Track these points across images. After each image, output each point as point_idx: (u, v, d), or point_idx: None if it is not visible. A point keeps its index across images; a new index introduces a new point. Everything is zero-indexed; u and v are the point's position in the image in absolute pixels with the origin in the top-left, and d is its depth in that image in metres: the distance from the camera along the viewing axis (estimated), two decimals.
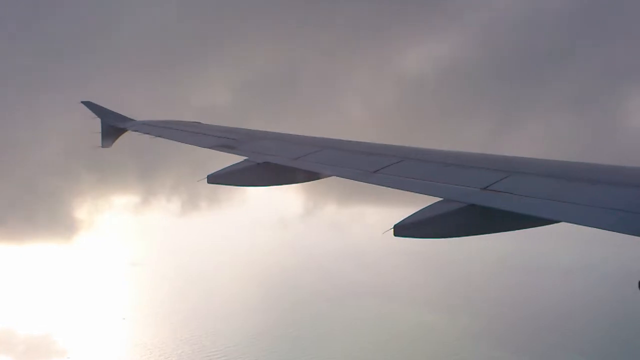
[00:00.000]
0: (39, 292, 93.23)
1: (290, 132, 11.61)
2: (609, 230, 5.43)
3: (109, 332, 77.48)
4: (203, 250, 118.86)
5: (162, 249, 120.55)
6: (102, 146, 15.71)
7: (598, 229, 5.54)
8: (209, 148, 11.47)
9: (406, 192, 7.44)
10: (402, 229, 6.32)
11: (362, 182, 8.03)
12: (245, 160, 9.97)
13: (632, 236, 5.23)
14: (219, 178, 9.66)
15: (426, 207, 6.57)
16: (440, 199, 6.71)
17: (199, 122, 14.48)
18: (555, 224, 6.13)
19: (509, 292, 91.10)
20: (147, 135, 14.14)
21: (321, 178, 9.22)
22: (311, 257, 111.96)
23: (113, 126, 15.72)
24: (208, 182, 9.61)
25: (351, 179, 8.29)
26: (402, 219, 6.43)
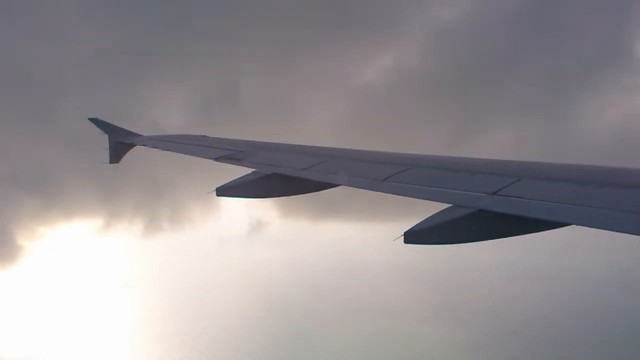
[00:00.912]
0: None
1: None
2: (620, 232, 5.42)
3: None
4: (202, 266, 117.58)
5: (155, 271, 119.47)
6: (110, 162, 15.83)
7: (609, 232, 5.54)
8: (216, 160, 11.52)
9: (414, 199, 7.46)
10: (412, 236, 6.33)
11: (371, 191, 8.05)
12: (253, 172, 10.01)
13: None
14: (228, 190, 9.70)
15: (436, 214, 6.58)
16: (450, 205, 6.71)
17: (205, 136, 14.55)
18: (566, 228, 6.12)
19: (510, 302, 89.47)
20: (154, 149, 14.24)
21: (330, 188, 9.25)
22: (310, 272, 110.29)
23: (120, 142, 15.83)
24: (217, 195, 9.64)
25: (360, 188, 8.31)
26: (411, 226, 6.45)
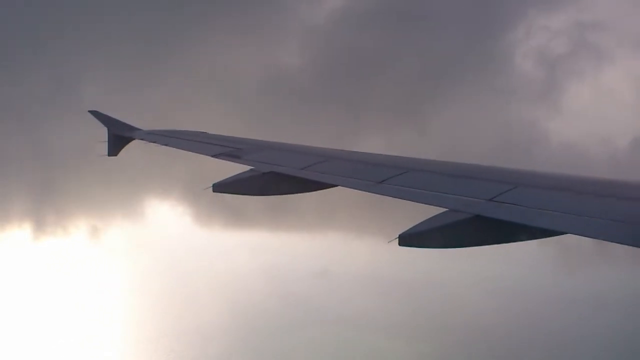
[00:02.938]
0: None
1: None
2: (614, 242, 5.43)
3: None
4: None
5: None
6: (109, 155, 15.84)
7: (603, 242, 5.55)
8: (214, 157, 11.53)
9: (409, 202, 7.46)
10: (407, 239, 6.33)
11: (367, 192, 8.05)
12: (250, 169, 10.02)
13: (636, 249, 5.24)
14: (225, 187, 9.70)
15: (431, 217, 6.58)
16: (446, 209, 6.71)
17: (205, 132, 14.56)
18: (561, 236, 6.13)
19: (485, 317, 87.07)
20: (153, 143, 14.24)
21: (326, 188, 9.25)
22: (284, 280, 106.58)
23: (119, 135, 15.83)
24: (213, 191, 9.65)
25: (357, 189, 8.31)
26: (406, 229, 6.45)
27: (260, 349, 72.39)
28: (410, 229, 6.41)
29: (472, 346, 70.23)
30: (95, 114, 16.30)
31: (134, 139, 15.51)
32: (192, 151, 12.71)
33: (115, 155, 15.85)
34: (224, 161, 11.25)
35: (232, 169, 10.43)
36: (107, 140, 15.85)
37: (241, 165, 10.48)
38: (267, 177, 9.68)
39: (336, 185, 8.89)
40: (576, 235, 5.78)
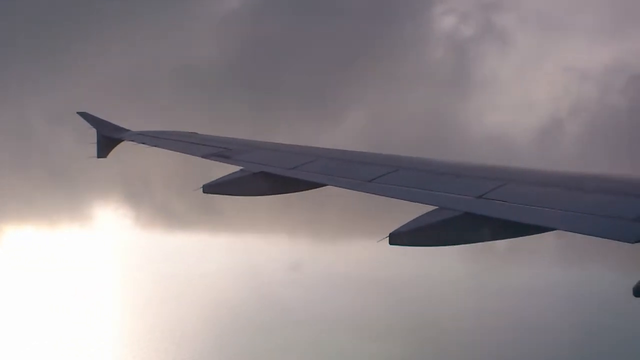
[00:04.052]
0: None
1: None
2: (603, 237, 5.46)
3: None
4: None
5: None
6: (98, 156, 15.78)
7: (591, 238, 5.58)
8: (204, 158, 11.51)
9: (399, 201, 7.47)
10: (397, 237, 6.33)
11: (358, 191, 8.06)
12: (240, 170, 10.01)
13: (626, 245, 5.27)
14: (215, 188, 9.69)
15: (421, 216, 6.59)
16: (436, 207, 6.73)
17: (196, 133, 14.52)
18: (550, 232, 6.15)
19: (477, 316, 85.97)
20: (142, 145, 14.20)
21: (317, 187, 9.26)
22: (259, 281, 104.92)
23: (109, 137, 15.77)
24: (204, 192, 9.63)
25: (347, 188, 8.33)
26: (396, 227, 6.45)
27: (256, 347, 72.18)
28: (401, 227, 6.41)
29: (466, 345, 70.14)
30: (84, 115, 16.23)
31: (123, 140, 15.46)
32: (182, 152, 12.70)
33: (105, 156, 15.79)
34: (213, 162, 11.25)
35: (222, 169, 10.43)
36: (96, 141, 15.78)
37: (231, 165, 10.48)
38: (257, 177, 9.69)
39: (326, 185, 8.90)
40: (566, 232, 5.81)
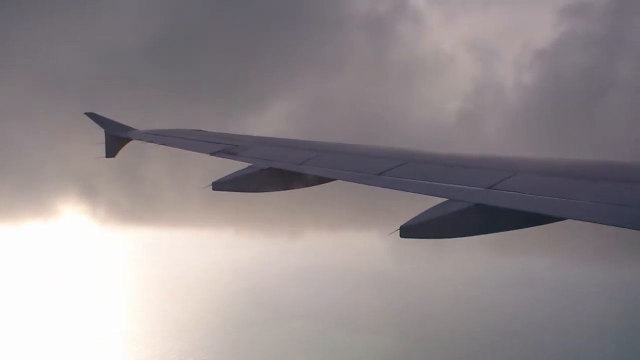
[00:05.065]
0: None
1: None
2: (615, 226, 5.45)
3: None
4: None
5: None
6: (107, 156, 15.84)
7: (603, 226, 5.57)
8: (212, 155, 11.53)
9: (409, 193, 7.47)
10: (408, 230, 6.35)
11: (367, 185, 8.07)
12: (249, 166, 10.03)
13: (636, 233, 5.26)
14: (224, 185, 9.72)
15: (431, 208, 6.60)
16: (446, 199, 6.73)
17: (202, 130, 14.56)
18: (561, 222, 6.15)
19: (492, 307, 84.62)
20: (150, 143, 14.25)
21: (326, 182, 9.27)
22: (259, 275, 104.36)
23: (116, 136, 15.82)
24: (213, 189, 9.66)
25: (355, 182, 8.33)
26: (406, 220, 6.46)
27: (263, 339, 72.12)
28: (411, 220, 6.43)
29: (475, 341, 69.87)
30: (92, 115, 16.28)
31: (131, 140, 15.50)
32: (190, 150, 12.71)
33: (113, 156, 15.85)
34: (221, 159, 11.27)
35: (231, 166, 10.46)
36: (104, 141, 15.83)
37: (239, 162, 10.50)
38: (266, 173, 9.70)
39: (335, 179, 8.91)
40: (577, 220, 5.81)
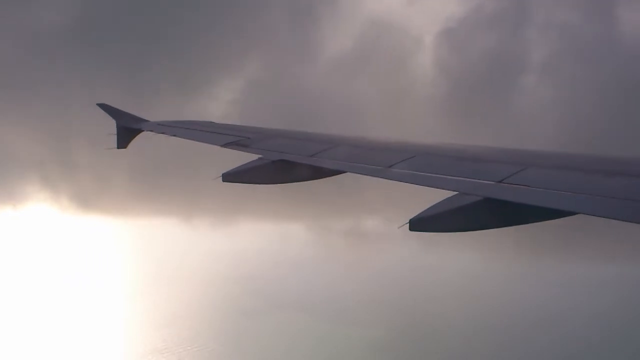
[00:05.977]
0: None
1: None
2: (627, 221, 5.40)
3: None
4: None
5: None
6: (118, 147, 15.91)
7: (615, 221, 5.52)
8: (223, 146, 11.54)
9: (419, 186, 7.44)
10: (418, 223, 6.32)
11: (377, 178, 8.05)
12: (259, 158, 10.03)
13: None
14: (234, 176, 9.72)
15: (441, 201, 6.56)
16: (456, 192, 6.69)
17: (212, 122, 14.59)
18: (573, 217, 6.10)
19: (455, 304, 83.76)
20: (162, 134, 14.29)
21: (336, 174, 9.26)
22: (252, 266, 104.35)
23: (128, 127, 15.87)
24: (223, 180, 9.67)
25: (366, 175, 8.31)
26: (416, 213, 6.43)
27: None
28: (421, 213, 6.39)
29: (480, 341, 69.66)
30: (104, 107, 16.35)
31: (143, 131, 15.56)
32: (201, 141, 12.74)
33: (125, 147, 15.91)
34: (230, 150, 11.28)
35: (240, 158, 10.46)
36: (116, 132, 15.90)
37: (250, 154, 10.50)
38: (277, 165, 9.70)
39: (345, 172, 8.90)
40: (588, 215, 5.76)
